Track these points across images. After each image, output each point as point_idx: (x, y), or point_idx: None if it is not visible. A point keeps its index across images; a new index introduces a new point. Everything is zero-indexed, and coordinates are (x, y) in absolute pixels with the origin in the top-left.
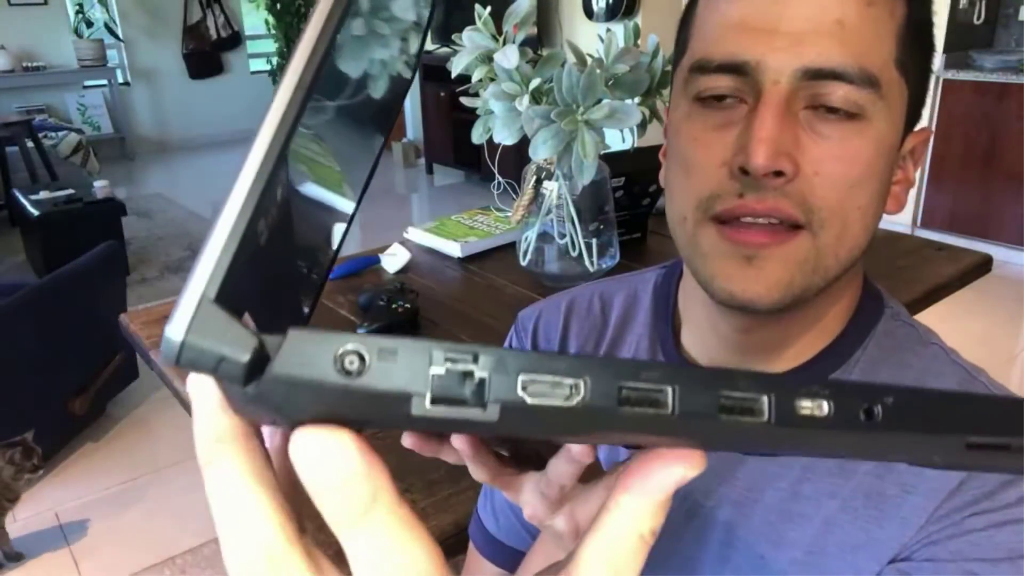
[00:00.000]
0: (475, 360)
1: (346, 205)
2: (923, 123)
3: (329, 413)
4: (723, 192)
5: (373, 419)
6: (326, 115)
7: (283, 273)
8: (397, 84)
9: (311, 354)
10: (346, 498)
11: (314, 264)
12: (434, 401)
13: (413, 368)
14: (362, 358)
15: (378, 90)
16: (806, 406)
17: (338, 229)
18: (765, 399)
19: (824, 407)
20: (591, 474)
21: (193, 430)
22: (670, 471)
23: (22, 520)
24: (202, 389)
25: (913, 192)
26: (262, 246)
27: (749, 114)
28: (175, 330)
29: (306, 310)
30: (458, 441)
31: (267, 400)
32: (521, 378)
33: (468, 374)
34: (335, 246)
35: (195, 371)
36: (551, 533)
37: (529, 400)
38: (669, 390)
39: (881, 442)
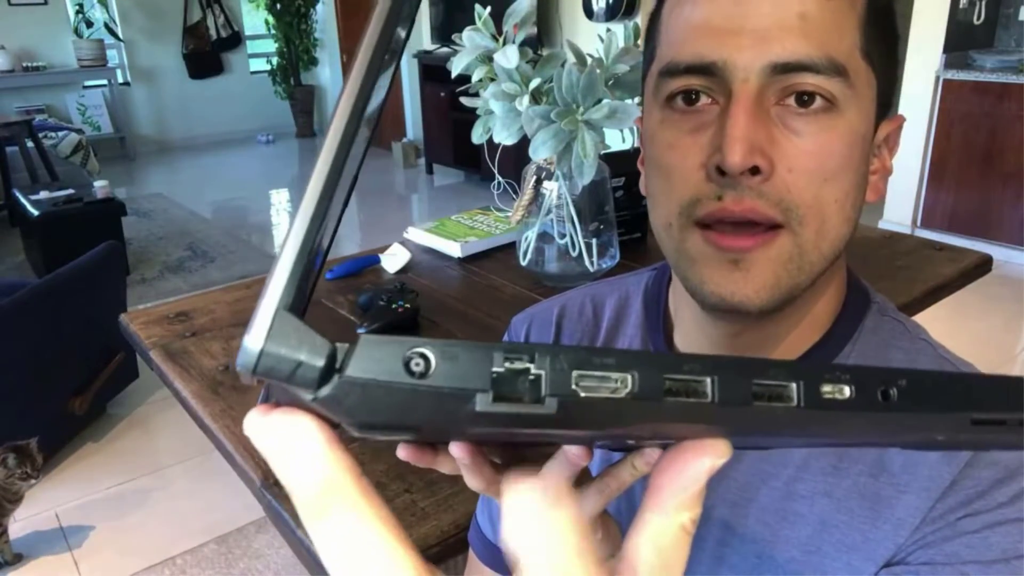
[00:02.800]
0: (532, 359)
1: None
2: (922, 122)
3: (398, 413)
4: (703, 196)
5: (439, 418)
6: None
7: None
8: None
9: (381, 357)
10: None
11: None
12: (496, 398)
13: (475, 368)
14: (427, 360)
15: None
16: (830, 390)
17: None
18: (794, 385)
19: (846, 390)
20: (581, 479)
21: (288, 478)
22: (701, 462)
23: (22, 520)
24: (298, 430)
25: (913, 192)
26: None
27: (721, 115)
28: (254, 340)
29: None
30: (456, 449)
31: (340, 403)
32: (575, 374)
33: (525, 372)
34: (326, 246)
35: (271, 378)
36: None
37: (582, 393)
38: (709, 380)
39: (896, 421)
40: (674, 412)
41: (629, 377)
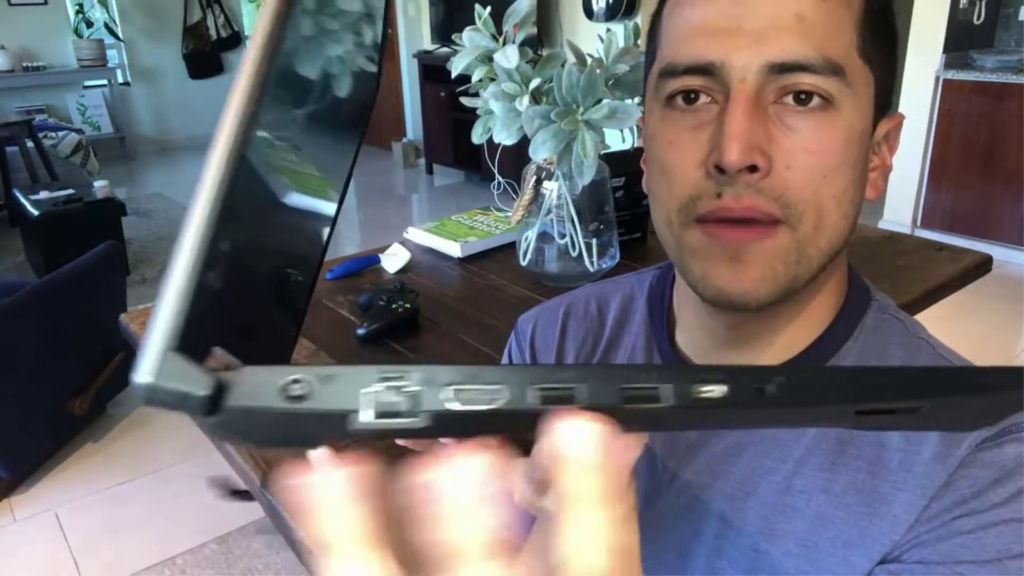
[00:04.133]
0: (405, 377)
1: (328, 207)
2: (922, 122)
3: (284, 434)
4: (702, 193)
5: (320, 435)
6: (296, 123)
7: (263, 288)
8: (361, 80)
9: (260, 385)
10: (601, 478)
11: (301, 265)
12: (371, 416)
13: (351, 389)
14: (305, 384)
15: (342, 89)
16: (703, 390)
17: (323, 230)
18: (667, 387)
19: (719, 390)
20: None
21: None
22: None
23: (22, 520)
24: (329, 480)
25: (913, 192)
26: (227, 280)
27: (720, 113)
28: (143, 375)
29: (300, 306)
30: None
31: (229, 427)
32: (448, 390)
33: (401, 389)
34: (322, 247)
35: (164, 408)
36: (542, 515)
37: (457, 407)
38: (581, 387)
39: (777, 415)
40: (547, 417)
41: (503, 389)
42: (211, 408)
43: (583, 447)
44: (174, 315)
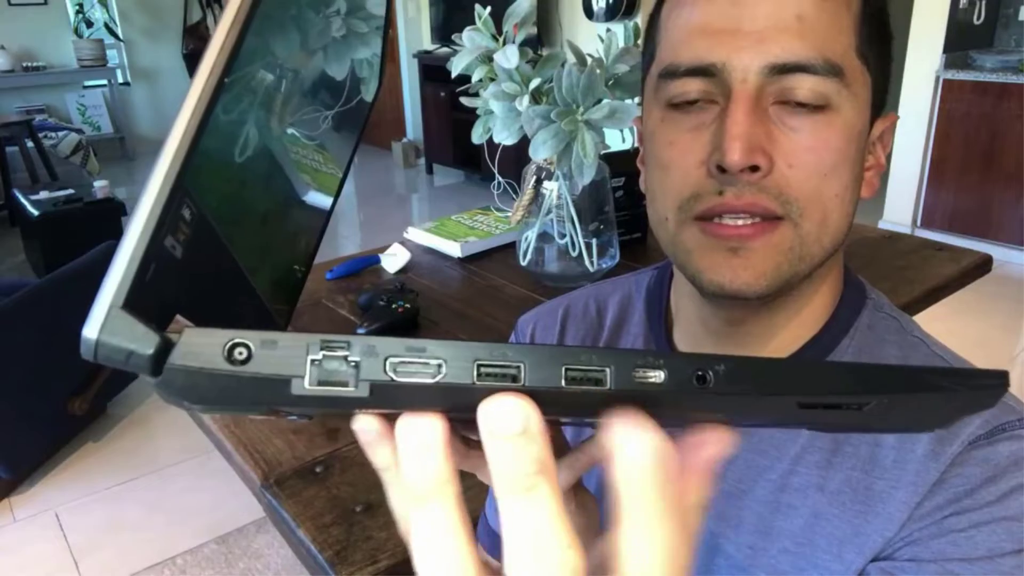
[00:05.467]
0: (348, 347)
1: (324, 200)
2: (922, 122)
3: (224, 396)
4: (703, 191)
5: (262, 400)
6: (295, 115)
7: (252, 269)
8: (363, 76)
9: (204, 346)
10: (521, 456)
11: (294, 252)
12: (313, 383)
13: (294, 355)
14: (248, 348)
15: (343, 83)
16: (642, 375)
17: (316, 220)
18: (607, 370)
19: (658, 375)
20: (557, 451)
21: (404, 468)
22: (705, 452)
23: (22, 520)
24: (420, 429)
25: (913, 192)
26: (201, 254)
27: (721, 114)
28: (90, 330)
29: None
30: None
31: (172, 387)
32: (389, 360)
33: (343, 359)
34: (315, 242)
35: (110, 364)
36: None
37: (396, 379)
38: (520, 365)
39: (717, 403)
40: (486, 395)
41: (442, 364)
42: (155, 367)
43: (705, 464)
44: (124, 273)
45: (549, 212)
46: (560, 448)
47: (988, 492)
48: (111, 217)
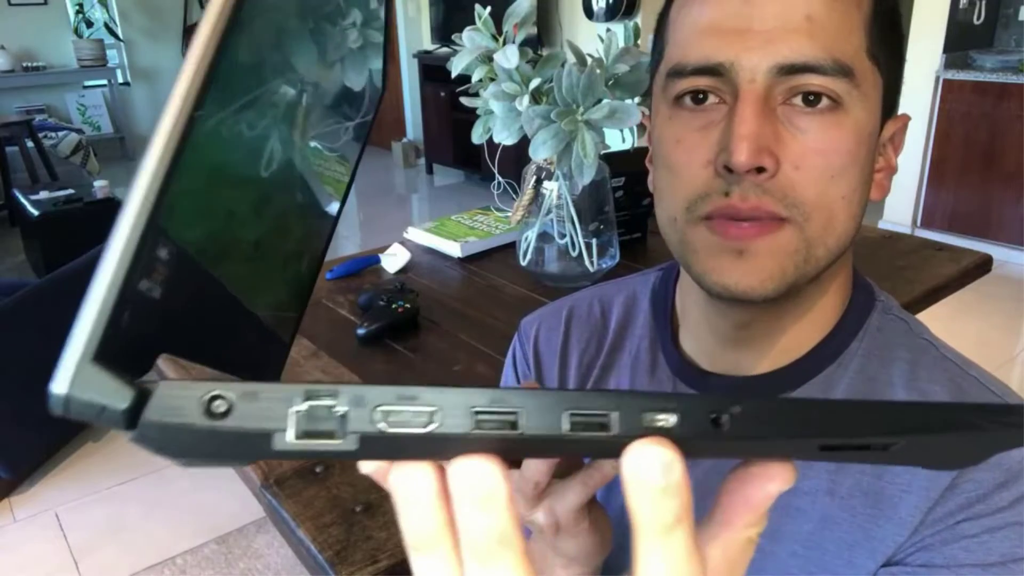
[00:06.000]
0: (335, 396)
1: (327, 213)
2: (922, 122)
3: (205, 451)
4: (710, 192)
5: (244, 454)
6: (296, 121)
7: (243, 295)
8: (366, 81)
9: (180, 399)
10: (663, 505)
11: (292, 271)
12: (299, 436)
13: (275, 408)
14: (227, 401)
15: (346, 88)
16: (650, 420)
17: (316, 237)
18: (614, 415)
19: (669, 419)
20: (568, 469)
21: (466, 523)
22: (766, 488)
23: (22, 520)
24: (489, 481)
25: (913, 192)
26: (182, 284)
27: (729, 114)
28: (59, 385)
29: (294, 313)
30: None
31: (147, 441)
32: (379, 410)
33: (329, 409)
34: (318, 258)
35: (82, 419)
36: (535, 527)
37: (388, 429)
38: (519, 412)
39: (732, 447)
40: (486, 444)
41: (437, 412)
42: (129, 422)
43: (765, 500)
44: (95, 323)
45: (549, 212)
46: (574, 465)
47: (1001, 497)
48: (111, 217)
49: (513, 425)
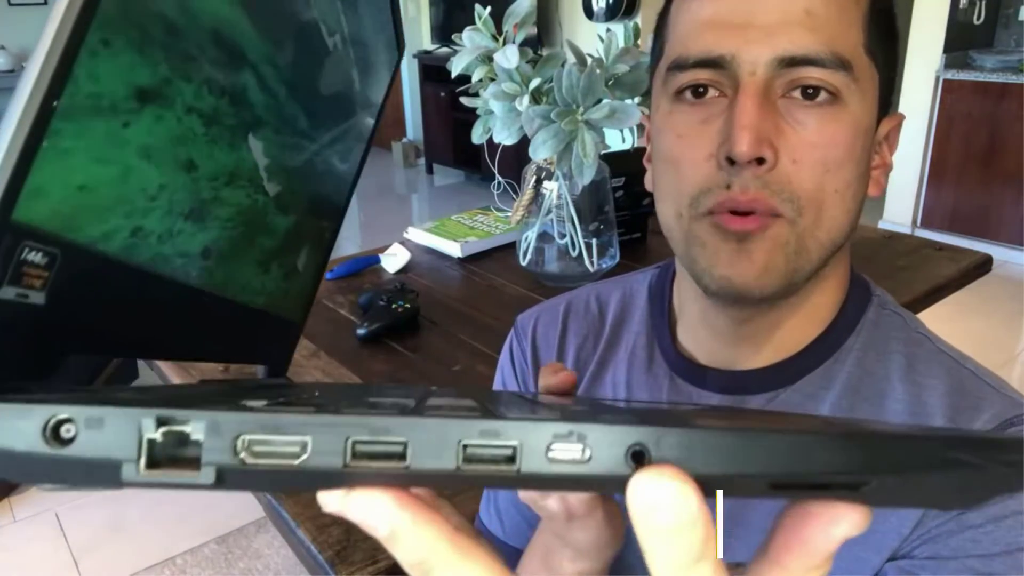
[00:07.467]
0: (189, 423)
1: (331, 216)
2: (922, 122)
3: (54, 478)
4: (712, 186)
5: (94, 483)
6: (303, 127)
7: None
8: (371, 85)
9: (20, 425)
10: (682, 544)
11: (288, 264)
12: (149, 465)
13: (124, 435)
14: (72, 426)
15: (351, 90)
16: (557, 454)
17: (309, 242)
18: (517, 446)
19: (578, 452)
20: None
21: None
22: (831, 532)
23: (22, 520)
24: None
25: (913, 192)
26: (67, 290)
27: (730, 106)
28: None
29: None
30: None
31: None
32: (241, 439)
33: (183, 437)
34: (329, 241)
35: None
36: (545, 514)
37: (249, 460)
38: (404, 442)
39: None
40: (366, 478)
41: (307, 441)
42: None
43: (830, 545)
44: None
45: (549, 212)
46: None
47: None
48: None
49: (400, 457)
